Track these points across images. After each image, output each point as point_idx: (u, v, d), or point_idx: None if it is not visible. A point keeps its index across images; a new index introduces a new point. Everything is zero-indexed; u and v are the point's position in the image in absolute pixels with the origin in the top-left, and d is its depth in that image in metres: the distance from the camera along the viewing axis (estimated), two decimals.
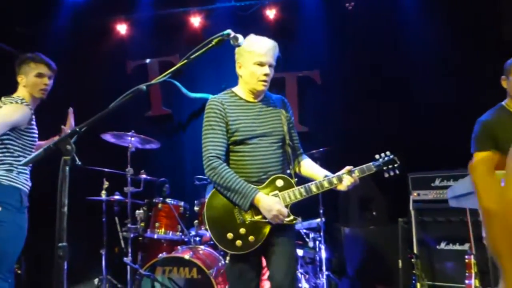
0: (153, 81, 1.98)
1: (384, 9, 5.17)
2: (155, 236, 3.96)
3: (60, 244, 1.61)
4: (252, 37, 2.57)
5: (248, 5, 5.49)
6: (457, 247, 4.09)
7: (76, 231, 2.38)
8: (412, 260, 3.99)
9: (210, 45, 1.97)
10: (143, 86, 1.82)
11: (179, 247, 3.84)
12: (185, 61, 1.94)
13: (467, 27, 4.83)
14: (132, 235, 3.97)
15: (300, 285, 4.03)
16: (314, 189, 2.48)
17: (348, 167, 2.50)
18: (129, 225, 3.97)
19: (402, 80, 5.02)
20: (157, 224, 3.99)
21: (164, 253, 3.70)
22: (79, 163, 1.75)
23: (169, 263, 3.53)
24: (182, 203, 4.15)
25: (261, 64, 2.51)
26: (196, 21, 5.55)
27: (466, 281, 3.33)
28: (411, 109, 4.93)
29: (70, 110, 3.20)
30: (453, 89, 4.81)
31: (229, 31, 2.02)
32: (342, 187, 2.47)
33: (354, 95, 5.21)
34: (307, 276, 4.32)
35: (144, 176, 4.22)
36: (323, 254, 4.29)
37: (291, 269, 2.50)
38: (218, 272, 3.48)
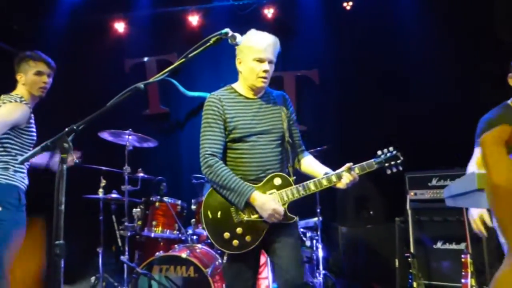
0: (151, 80, 1.98)
1: (382, 9, 5.18)
2: (152, 235, 3.95)
3: (57, 242, 1.61)
4: (252, 32, 2.53)
5: (246, 4, 5.49)
6: (454, 246, 4.10)
7: (73, 229, 2.38)
8: (409, 259, 4.00)
9: (208, 44, 1.96)
10: (141, 85, 1.82)
11: (176, 245, 3.84)
12: (183, 59, 1.94)
13: (462, 26, 4.85)
14: (129, 234, 3.97)
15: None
16: (312, 187, 2.43)
17: (348, 164, 2.44)
18: (126, 224, 3.97)
19: (400, 80, 5.03)
20: (154, 223, 3.98)
21: (161, 251, 3.69)
22: (77, 161, 1.75)
23: (166, 261, 3.53)
24: (179, 202, 4.15)
25: (261, 60, 2.46)
26: (194, 19, 5.55)
27: (463, 280, 3.34)
28: (408, 109, 4.94)
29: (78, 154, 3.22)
30: (450, 89, 4.83)
31: (227, 30, 2.02)
32: (341, 185, 2.42)
33: (352, 94, 5.22)
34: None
35: (141, 174, 4.22)
36: (320, 253, 4.30)
37: (298, 272, 2.46)
38: (215, 270, 3.48)
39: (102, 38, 5.70)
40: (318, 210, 4.39)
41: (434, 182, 4.25)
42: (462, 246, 3.97)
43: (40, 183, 3.15)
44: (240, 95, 2.56)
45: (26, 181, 3.03)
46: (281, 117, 2.56)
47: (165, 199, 4.04)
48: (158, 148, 4.56)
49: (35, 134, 3.04)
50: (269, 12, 5.44)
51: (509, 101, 2.76)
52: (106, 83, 5.08)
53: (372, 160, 2.47)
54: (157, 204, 4.03)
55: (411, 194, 4.33)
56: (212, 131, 2.45)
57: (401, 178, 4.38)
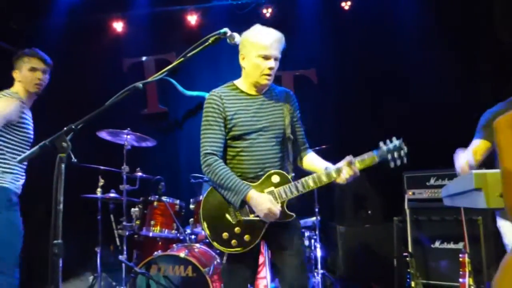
0: (149, 79, 1.98)
1: (380, 8, 5.19)
2: (151, 234, 3.95)
3: (55, 242, 1.61)
4: (257, 27, 2.46)
5: (245, 4, 5.49)
6: (452, 245, 4.11)
7: (71, 228, 2.37)
8: (407, 258, 4.00)
9: (207, 43, 1.97)
10: (139, 84, 1.82)
11: (174, 245, 3.84)
12: (182, 59, 1.94)
13: (462, 26, 4.85)
14: (127, 233, 3.96)
15: None
16: (311, 183, 2.37)
17: (348, 158, 2.36)
18: (124, 223, 3.97)
19: (399, 80, 5.04)
20: (152, 222, 3.98)
21: (159, 251, 3.69)
22: (75, 160, 1.75)
23: (164, 261, 3.53)
24: (177, 201, 4.15)
25: (266, 57, 2.40)
26: (192, 19, 5.55)
27: (460, 280, 3.34)
28: (406, 108, 4.95)
29: None
30: (449, 89, 4.84)
31: (225, 29, 2.03)
32: (341, 180, 2.35)
33: (350, 94, 5.23)
34: None
35: (139, 174, 4.21)
36: (318, 253, 4.30)
37: (304, 281, 2.44)
38: (213, 270, 3.48)
39: (100, 38, 5.69)
40: (317, 210, 4.40)
41: (432, 181, 4.26)
42: (460, 245, 3.98)
43: (39, 182, 3.15)
44: (242, 92, 2.51)
45: (20, 181, 3.00)
46: (283, 114, 2.50)
47: (164, 198, 4.04)
48: (157, 148, 4.55)
49: (30, 132, 3.03)
50: (267, 12, 5.44)
51: None
52: (104, 83, 5.08)
53: (373, 152, 2.39)
54: (155, 203, 4.03)
55: (409, 194, 4.34)
56: (212, 129, 2.42)
57: (399, 177, 4.39)
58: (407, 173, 4.37)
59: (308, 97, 5.50)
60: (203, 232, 3.56)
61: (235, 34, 2.07)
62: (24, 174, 3.06)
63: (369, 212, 4.84)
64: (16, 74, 3.05)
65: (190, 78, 5.38)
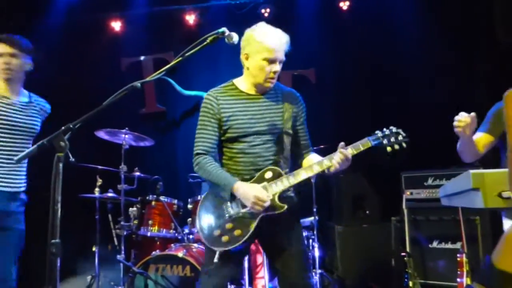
0: (147, 79, 1.98)
1: (379, 8, 5.19)
2: (149, 234, 3.95)
3: (53, 241, 1.60)
4: (264, 27, 2.40)
5: (243, 3, 5.49)
6: (449, 245, 4.12)
7: (69, 228, 2.37)
8: (405, 258, 4.01)
9: (205, 43, 1.97)
10: (137, 84, 1.82)
11: (172, 245, 3.84)
12: (180, 58, 1.94)
13: (461, 27, 4.86)
14: (125, 233, 3.96)
15: None
16: (303, 173, 2.32)
17: (340, 144, 2.29)
18: (122, 223, 3.96)
19: (397, 79, 5.05)
20: (150, 222, 3.98)
21: (157, 250, 3.70)
22: (73, 160, 1.75)
23: (162, 261, 3.53)
24: (175, 201, 4.15)
25: (272, 61, 2.35)
26: (190, 18, 5.55)
27: (458, 280, 3.35)
28: (405, 108, 4.95)
29: None
30: (447, 89, 4.84)
31: (224, 29, 2.02)
32: (333, 166, 2.26)
33: (348, 93, 5.24)
34: None
35: (137, 173, 4.21)
36: (316, 253, 4.30)
37: (303, 277, 2.38)
38: None
39: (99, 37, 5.68)
40: (314, 210, 4.40)
41: (430, 181, 4.26)
42: (457, 245, 3.98)
43: (36, 181, 3.14)
44: (241, 92, 2.46)
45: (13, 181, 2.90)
46: (283, 116, 2.44)
47: (162, 198, 4.04)
48: (155, 147, 4.55)
49: (12, 118, 2.86)
50: (265, 11, 5.44)
51: None
52: (102, 82, 5.07)
53: (367, 138, 2.34)
54: (153, 203, 4.03)
55: (407, 194, 4.34)
56: (205, 129, 2.41)
57: (397, 177, 4.40)
58: (405, 173, 4.38)
59: (306, 97, 5.49)
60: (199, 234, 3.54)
61: (233, 34, 2.06)
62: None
63: (367, 212, 4.84)
64: None
65: (188, 78, 5.38)
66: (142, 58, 5.69)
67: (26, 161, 2.92)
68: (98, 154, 4.34)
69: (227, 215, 2.36)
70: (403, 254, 4.07)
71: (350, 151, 2.29)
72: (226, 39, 2.06)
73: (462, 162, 2.91)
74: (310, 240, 4.39)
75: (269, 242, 2.48)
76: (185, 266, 3.46)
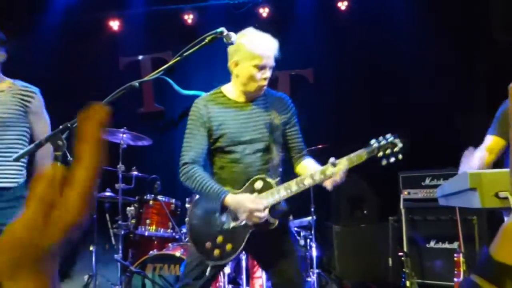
0: (146, 78, 1.98)
1: (377, 9, 5.20)
2: (146, 233, 3.95)
3: None
4: (253, 33, 2.34)
5: (242, 3, 5.50)
6: (447, 245, 4.13)
7: None
8: (402, 258, 4.02)
9: (203, 42, 1.96)
10: (135, 83, 1.81)
11: (170, 244, 3.84)
12: (178, 58, 1.94)
13: (461, 27, 4.87)
14: (123, 232, 3.96)
15: None
16: (294, 187, 2.22)
17: (331, 161, 2.18)
18: (120, 222, 3.96)
19: (395, 80, 5.06)
20: (148, 221, 3.98)
21: (155, 250, 3.69)
22: (70, 159, 1.75)
23: (160, 260, 3.52)
24: (173, 200, 4.15)
25: (262, 68, 2.29)
26: (189, 18, 5.55)
27: (455, 279, 3.36)
28: (402, 108, 4.97)
29: None
30: (444, 89, 4.86)
31: (222, 29, 2.02)
32: (327, 182, 2.18)
33: (347, 93, 5.25)
34: None
35: (135, 173, 4.21)
36: (314, 252, 4.31)
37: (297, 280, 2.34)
38: None
39: (97, 36, 5.68)
40: (312, 209, 4.40)
41: (427, 181, 4.28)
42: (455, 245, 4.00)
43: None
44: (229, 99, 2.39)
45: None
46: (272, 124, 2.36)
47: (159, 197, 4.04)
48: (153, 147, 4.55)
49: None
50: (264, 11, 5.45)
51: None
52: (100, 81, 5.07)
53: (362, 150, 2.19)
54: (151, 202, 4.03)
55: (404, 193, 4.35)
56: (194, 138, 2.34)
57: (394, 177, 4.41)
58: (403, 173, 4.39)
59: (304, 97, 5.52)
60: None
61: (232, 34, 2.06)
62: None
63: (365, 211, 4.85)
64: None
65: (186, 77, 5.37)
66: (140, 57, 5.69)
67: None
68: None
69: (217, 227, 2.28)
70: (400, 253, 4.08)
71: (343, 165, 2.16)
72: (224, 39, 2.06)
73: (459, 162, 2.91)
74: (308, 240, 4.39)
75: (260, 256, 2.45)
76: None
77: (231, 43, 2.09)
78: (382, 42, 5.12)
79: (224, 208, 2.23)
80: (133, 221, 3.99)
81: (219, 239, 2.26)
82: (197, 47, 1.95)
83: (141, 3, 5.61)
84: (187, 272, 2.35)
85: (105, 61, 5.61)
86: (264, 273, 3.76)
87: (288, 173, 2.49)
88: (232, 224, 2.25)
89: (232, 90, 2.42)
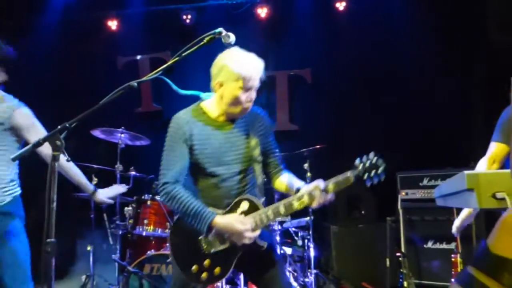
0: (144, 78, 1.98)
1: (375, 9, 5.21)
2: (144, 233, 3.94)
3: (48, 240, 1.60)
4: (237, 54, 2.24)
5: (240, 3, 5.50)
6: (444, 246, 4.14)
7: (64, 227, 2.36)
8: (400, 258, 4.02)
9: (202, 43, 1.97)
10: (134, 83, 1.81)
11: (167, 244, 3.84)
12: (177, 58, 1.94)
13: (461, 27, 4.87)
14: (120, 232, 3.96)
15: None
16: (282, 211, 2.16)
17: (316, 184, 2.13)
18: (117, 222, 3.96)
19: (392, 80, 5.06)
20: (145, 221, 3.97)
21: (152, 250, 3.69)
22: (69, 159, 1.74)
23: (158, 260, 3.53)
24: None
25: (248, 89, 2.21)
26: (187, 18, 5.54)
27: (452, 280, 3.37)
28: (400, 109, 4.97)
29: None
30: (442, 89, 4.86)
31: (221, 29, 2.02)
32: (313, 205, 2.14)
33: (344, 94, 5.25)
34: (295, 274, 4.35)
35: (133, 172, 4.20)
36: (312, 253, 4.31)
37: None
38: None
39: (95, 36, 5.68)
40: (310, 210, 4.40)
41: (425, 182, 4.28)
42: (452, 245, 4.00)
43: (32, 181, 3.13)
44: (210, 118, 2.31)
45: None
46: (249, 144, 2.30)
47: (157, 197, 4.02)
48: (151, 146, 4.53)
49: None
50: (262, 12, 5.45)
51: None
52: (99, 81, 5.07)
53: (349, 173, 2.12)
54: (149, 202, 4.02)
55: (402, 194, 4.36)
56: (175, 155, 2.28)
57: (392, 177, 4.41)
58: (401, 174, 4.40)
59: (302, 97, 5.53)
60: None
61: (230, 34, 2.06)
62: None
63: (363, 212, 4.86)
64: None
65: (185, 77, 5.37)
66: (138, 57, 5.69)
67: (6, 169, 2.68)
68: (94, 153, 4.33)
69: (204, 250, 2.21)
70: (398, 254, 4.08)
71: (331, 188, 2.14)
72: (223, 39, 2.06)
73: (457, 163, 2.92)
74: (306, 240, 4.40)
75: (247, 271, 2.43)
76: None
77: (230, 43, 2.09)
78: (380, 43, 5.13)
79: (210, 230, 2.15)
80: (131, 221, 3.99)
81: (206, 262, 2.19)
82: (195, 47, 1.95)
83: (139, 3, 5.61)
84: None
85: (103, 61, 5.61)
86: None
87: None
88: (220, 247, 2.19)
89: (213, 108, 2.33)
